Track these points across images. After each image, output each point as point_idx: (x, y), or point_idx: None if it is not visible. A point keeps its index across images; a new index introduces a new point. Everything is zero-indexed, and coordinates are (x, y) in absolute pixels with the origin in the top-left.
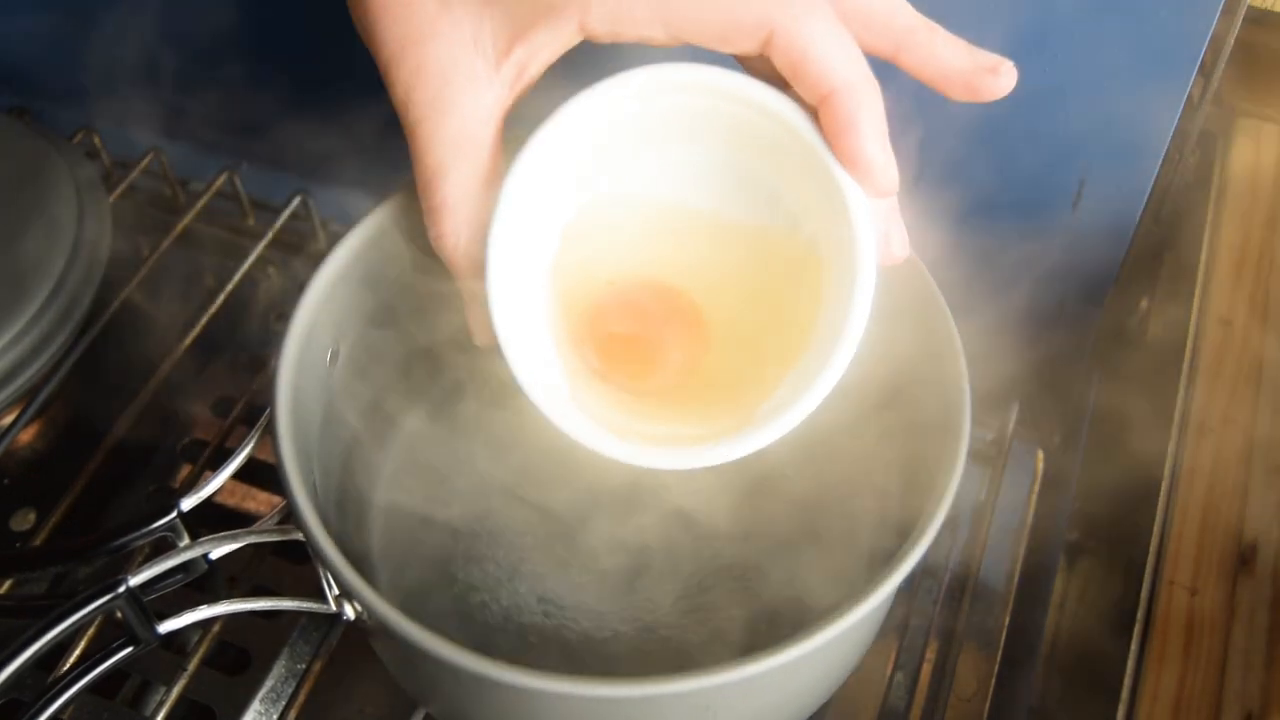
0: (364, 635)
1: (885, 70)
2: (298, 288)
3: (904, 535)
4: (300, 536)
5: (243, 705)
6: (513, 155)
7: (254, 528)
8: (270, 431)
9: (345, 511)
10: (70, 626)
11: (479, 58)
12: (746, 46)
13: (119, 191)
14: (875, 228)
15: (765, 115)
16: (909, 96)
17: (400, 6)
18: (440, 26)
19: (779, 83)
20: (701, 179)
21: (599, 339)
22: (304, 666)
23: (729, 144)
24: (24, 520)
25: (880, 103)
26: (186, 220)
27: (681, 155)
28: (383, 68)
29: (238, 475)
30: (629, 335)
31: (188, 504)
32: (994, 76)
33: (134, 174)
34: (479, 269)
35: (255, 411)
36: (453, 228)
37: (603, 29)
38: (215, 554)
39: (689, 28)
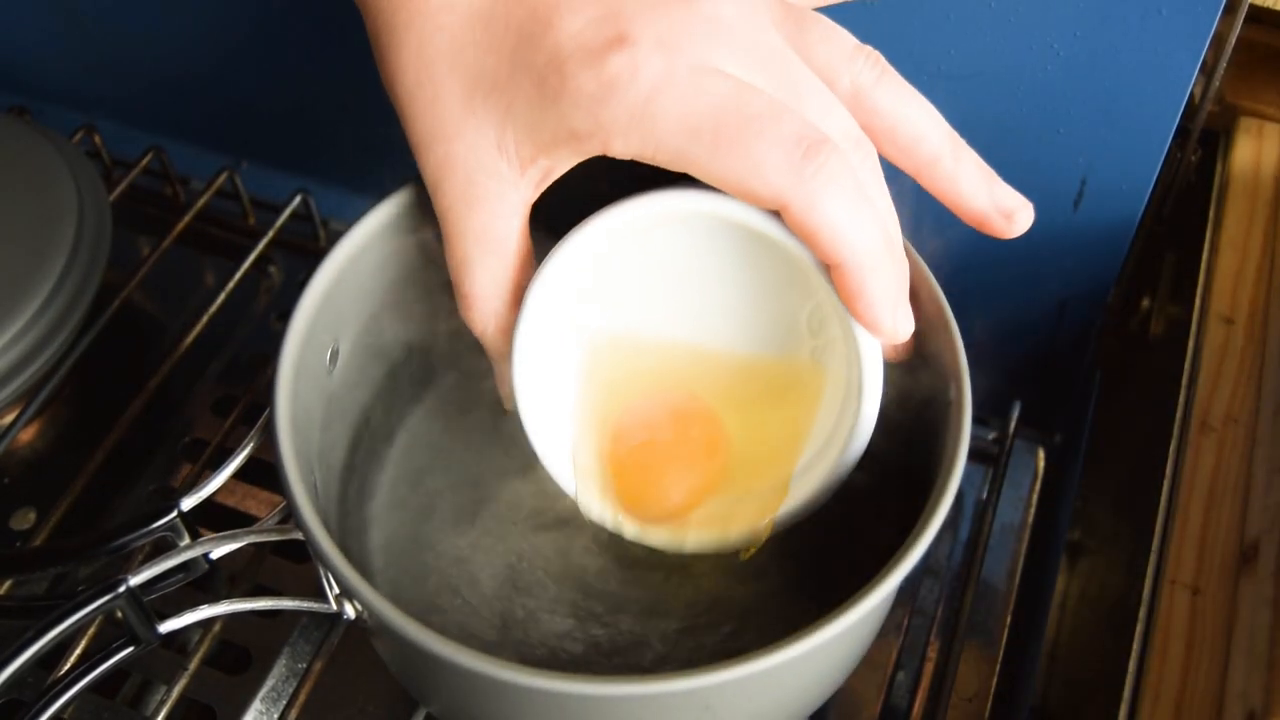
0: (365, 635)
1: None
2: (298, 287)
3: (904, 534)
4: (300, 536)
5: (243, 705)
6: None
7: (254, 527)
8: (270, 431)
9: (345, 510)
10: (70, 626)
11: (503, 160)
12: (762, 207)
13: (119, 191)
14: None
15: (783, 250)
16: None
17: (426, 101)
18: (465, 128)
19: None
20: (718, 288)
21: (618, 465)
22: (305, 666)
23: (747, 263)
24: (24, 519)
25: (895, 268)
26: (187, 219)
27: (699, 269)
28: (412, 147)
29: (238, 475)
30: (646, 471)
31: (188, 504)
32: (1007, 222)
33: (134, 173)
34: (507, 355)
35: (256, 411)
36: (480, 317)
37: (625, 157)
38: (216, 554)
39: (709, 180)
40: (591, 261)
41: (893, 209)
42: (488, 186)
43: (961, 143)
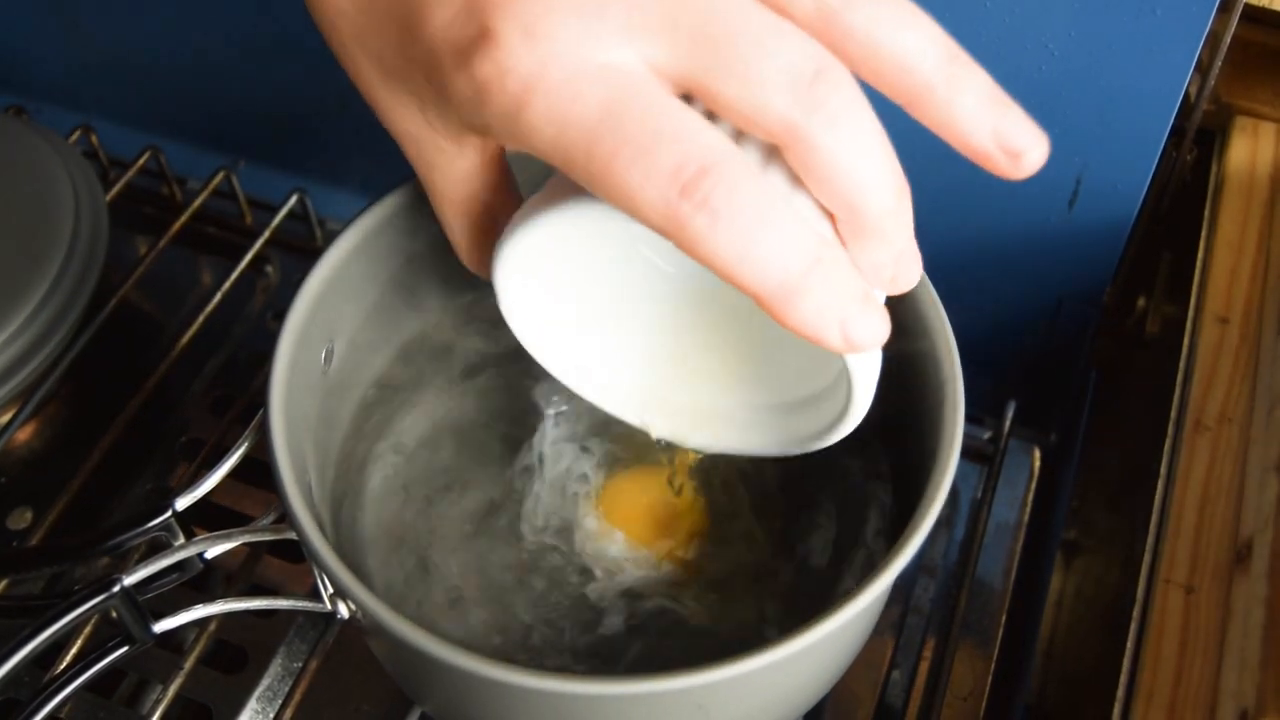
0: (360, 634)
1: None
2: (294, 286)
3: (897, 534)
4: (294, 536)
5: (239, 704)
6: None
7: (249, 527)
8: (264, 431)
9: (340, 510)
10: (66, 625)
11: (437, 135)
12: None
13: (116, 190)
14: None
15: None
16: None
17: (356, 76)
18: (394, 105)
19: None
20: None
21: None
22: (300, 665)
23: None
24: (21, 519)
25: (830, 285)
26: (183, 219)
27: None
28: None
29: (234, 474)
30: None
31: (182, 503)
32: (1012, 162)
33: (131, 173)
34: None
35: (253, 410)
36: (468, 260)
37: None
38: (210, 553)
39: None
40: (564, 233)
41: (874, 149)
42: (434, 157)
43: (962, 62)
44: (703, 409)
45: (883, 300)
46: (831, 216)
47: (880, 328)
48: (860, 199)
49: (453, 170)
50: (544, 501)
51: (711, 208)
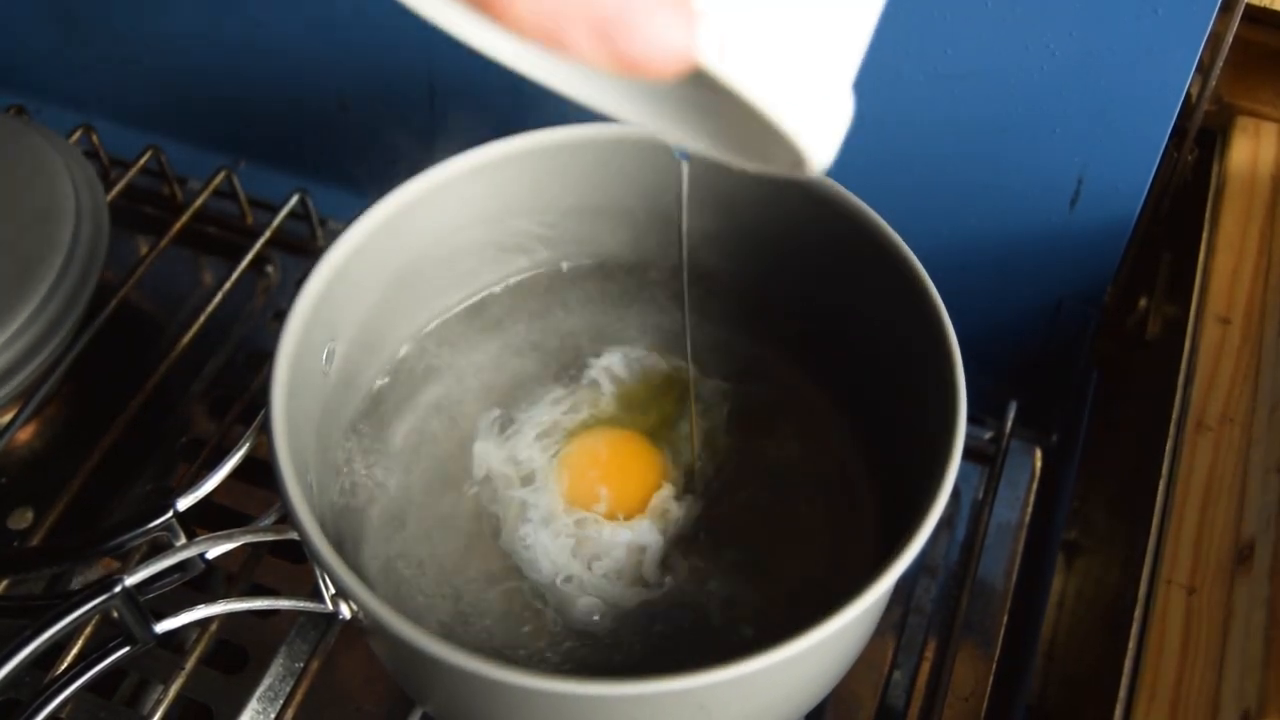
0: (362, 634)
1: (890, 74)
2: (295, 286)
3: (898, 535)
4: (296, 536)
5: (240, 704)
6: None
7: (250, 527)
8: (265, 431)
9: (341, 510)
10: (67, 626)
11: None
12: None
13: (117, 190)
14: None
15: None
16: (906, 96)
17: None
18: None
19: None
20: None
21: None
22: (301, 665)
23: None
24: (22, 519)
25: None
26: (184, 219)
27: None
28: None
29: (236, 474)
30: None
31: (184, 504)
32: None
33: (132, 172)
34: None
35: (254, 411)
36: None
37: None
38: (212, 554)
39: None
40: None
41: None
42: None
43: None
44: (688, 101)
45: None
46: None
47: (673, 35)
48: None
49: None
50: (550, 549)
51: None
